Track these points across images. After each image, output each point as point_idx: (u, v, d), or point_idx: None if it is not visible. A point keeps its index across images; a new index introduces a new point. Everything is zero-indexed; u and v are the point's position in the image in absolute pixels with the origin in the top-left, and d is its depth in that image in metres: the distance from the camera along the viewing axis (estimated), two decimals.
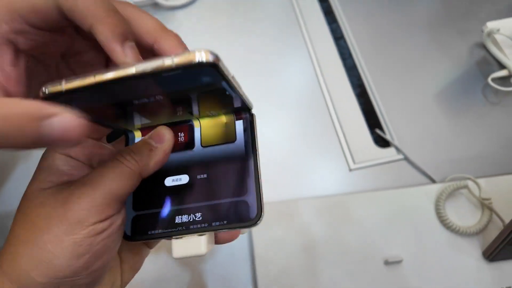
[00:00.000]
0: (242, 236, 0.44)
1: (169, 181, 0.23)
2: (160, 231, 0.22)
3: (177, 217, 0.22)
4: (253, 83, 0.56)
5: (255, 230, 0.44)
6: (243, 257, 0.43)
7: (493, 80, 0.53)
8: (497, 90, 0.53)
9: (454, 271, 0.41)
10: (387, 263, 0.41)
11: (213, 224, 0.22)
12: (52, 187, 0.20)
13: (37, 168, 0.21)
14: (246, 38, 0.61)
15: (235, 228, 0.22)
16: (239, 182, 0.22)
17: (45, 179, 0.20)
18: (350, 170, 0.49)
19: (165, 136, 0.22)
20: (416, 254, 0.42)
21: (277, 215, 0.44)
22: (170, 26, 0.69)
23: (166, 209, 0.23)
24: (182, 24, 0.63)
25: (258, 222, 0.21)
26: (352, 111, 0.53)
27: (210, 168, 0.23)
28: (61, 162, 0.21)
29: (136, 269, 0.25)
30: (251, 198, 0.22)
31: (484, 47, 0.58)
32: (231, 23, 0.63)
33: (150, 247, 0.26)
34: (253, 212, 0.22)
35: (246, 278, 0.42)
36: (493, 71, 0.55)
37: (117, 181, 0.20)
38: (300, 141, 0.51)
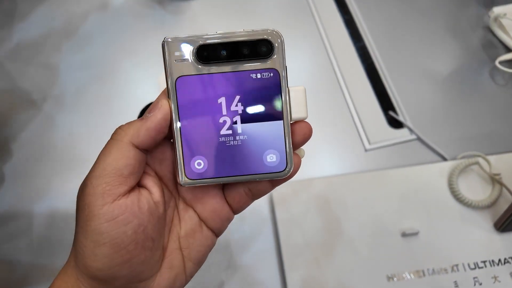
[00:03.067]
0: (266, 213, 0.47)
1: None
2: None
3: None
4: None
5: (278, 207, 0.46)
6: (267, 232, 0.46)
7: (501, 63, 0.56)
8: (504, 72, 0.56)
9: (468, 242, 0.44)
10: (404, 235, 0.44)
11: None
12: None
13: None
14: (261, 25, 0.63)
15: None
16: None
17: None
18: (366, 150, 0.51)
19: (158, 104, 0.23)
20: (432, 226, 0.44)
21: (298, 193, 0.47)
22: (185, 17, 0.71)
23: None
24: (197, 14, 0.65)
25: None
26: (366, 95, 0.55)
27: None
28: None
29: (199, 262, 0.26)
30: None
31: (490, 31, 0.60)
32: (245, 11, 0.65)
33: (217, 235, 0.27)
34: None
35: (271, 249, 0.45)
36: (500, 54, 0.57)
37: (106, 154, 0.22)
38: (318, 124, 0.53)
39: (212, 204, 0.25)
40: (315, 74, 0.58)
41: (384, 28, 0.62)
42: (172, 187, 0.26)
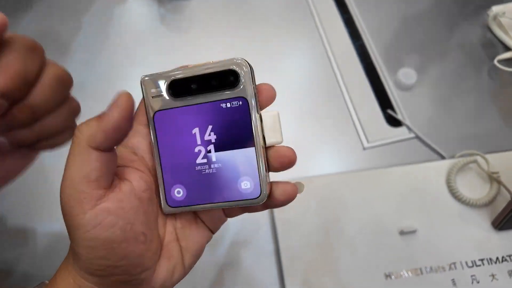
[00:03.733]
0: (265, 213, 0.47)
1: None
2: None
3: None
4: (267, 67, 0.58)
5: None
6: (266, 233, 0.46)
7: (499, 61, 0.56)
8: (503, 71, 0.56)
9: (465, 240, 0.44)
10: (402, 233, 0.44)
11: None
12: None
13: None
14: (260, 24, 0.63)
15: None
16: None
17: None
18: (364, 149, 0.51)
19: (117, 101, 0.20)
20: (430, 224, 0.45)
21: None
22: (185, 16, 0.70)
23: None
24: (196, 14, 0.65)
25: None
26: (365, 93, 0.55)
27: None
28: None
29: (197, 253, 0.26)
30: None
31: (489, 30, 0.60)
32: (244, 10, 0.65)
33: (213, 231, 0.27)
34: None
35: (269, 249, 0.45)
36: (499, 53, 0.57)
37: (70, 162, 0.21)
38: (316, 122, 0.53)
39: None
40: (314, 73, 0.58)
41: (383, 27, 0.62)
42: None
